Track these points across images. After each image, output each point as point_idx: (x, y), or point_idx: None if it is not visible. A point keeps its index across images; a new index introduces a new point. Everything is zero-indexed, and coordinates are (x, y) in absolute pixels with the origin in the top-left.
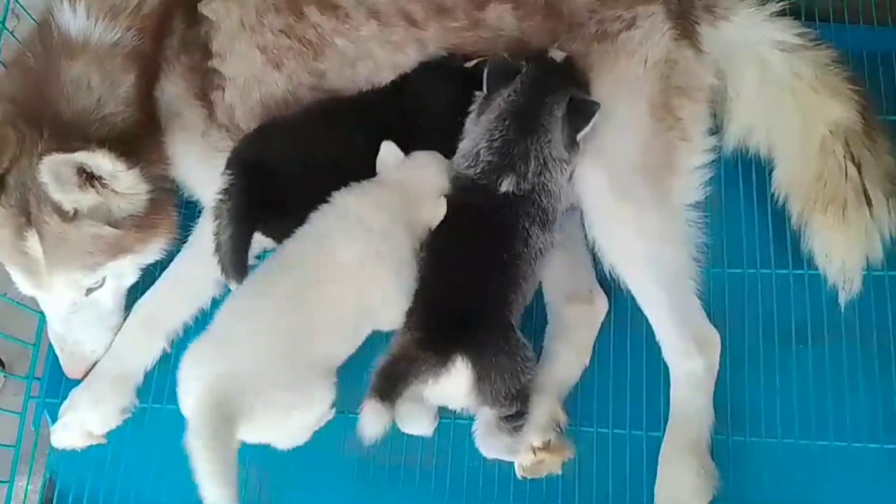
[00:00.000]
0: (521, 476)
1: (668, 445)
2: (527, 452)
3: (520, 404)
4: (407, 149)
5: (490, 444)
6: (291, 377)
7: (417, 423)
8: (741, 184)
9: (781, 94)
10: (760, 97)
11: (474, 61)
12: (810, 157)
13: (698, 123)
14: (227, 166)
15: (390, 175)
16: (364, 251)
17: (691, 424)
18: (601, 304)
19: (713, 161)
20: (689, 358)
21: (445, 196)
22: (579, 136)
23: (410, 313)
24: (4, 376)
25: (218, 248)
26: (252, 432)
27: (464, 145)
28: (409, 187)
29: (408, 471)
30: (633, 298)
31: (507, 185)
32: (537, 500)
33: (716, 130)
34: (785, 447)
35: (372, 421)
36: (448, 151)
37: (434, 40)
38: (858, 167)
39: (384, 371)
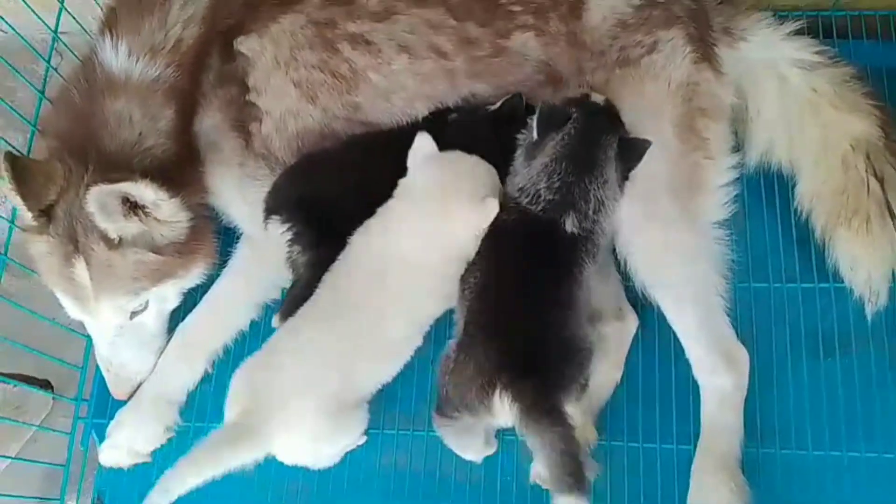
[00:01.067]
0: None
1: (700, 460)
2: None
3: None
4: None
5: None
6: (335, 405)
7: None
8: (764, 199)
9: (801, 111)
10: (781, 114)
11: (498, 103)
12: (832, 171)
13: (722, 142)
14: (278, 211)
15: (419, 180)
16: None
17: (722, 440)
18: (631, 320)
19: (737, 178)
20: (718, 375)
21: (504, 222)
22: (631, 174)
23: (473, 356)
24: (54, 398)
25: (292, 289)
26: (287, 453)
27: (517, 181)
28: (446, 192)
29: (443, 485)
30: (661, 314)
31: (570, 225)
32: None
33: (738, 148)
34: (816, 459)
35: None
36: None
37: (463, 70)
38: (881, 181)
39: (572, 469)
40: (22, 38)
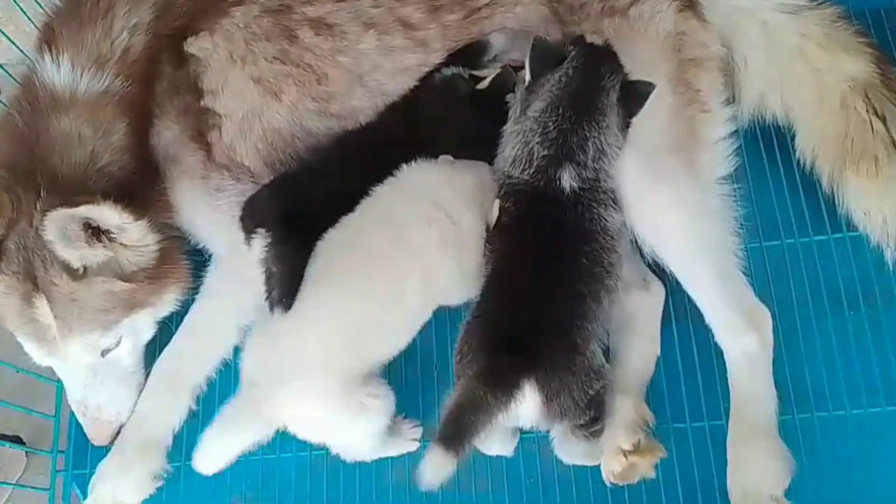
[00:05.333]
0: (611, 483)
1: (735, 432)
2: (616, 457)
3: (593, 411)
4: None
5: (568, 450)
6: (340, 378)
7: (497, 445)
8: (764, 153)
9: (791, 56)
10: (769, 62)
11: (486, 80)
12: (832, 115)
13: (716, 94)
14: (262, 226)
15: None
16: (437, 235)
17: (755, 407)
18: (657, 289)
19: (734, 132)
20: (742, 336)
21: (502, 207)
22: (633, 120)
23: (472, 339)
24: (27, 452)
25: (271, 280)
26: (299, 428)
27: (510, 153)
28: (481, 176)
29: (479, 489)
30: (676, 289)
31: (567, 179)
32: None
33: (730, 101)
34: (855, 418)
35: (435, 469)
36: None
37: (436, 38)
38: (884, 120)
39: (451, 420)
40: None
